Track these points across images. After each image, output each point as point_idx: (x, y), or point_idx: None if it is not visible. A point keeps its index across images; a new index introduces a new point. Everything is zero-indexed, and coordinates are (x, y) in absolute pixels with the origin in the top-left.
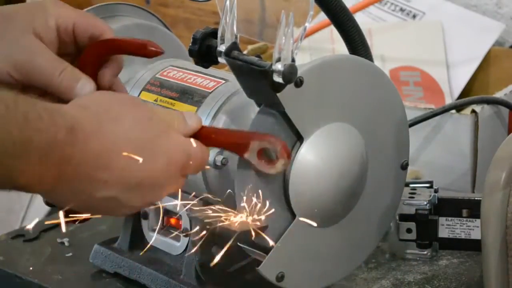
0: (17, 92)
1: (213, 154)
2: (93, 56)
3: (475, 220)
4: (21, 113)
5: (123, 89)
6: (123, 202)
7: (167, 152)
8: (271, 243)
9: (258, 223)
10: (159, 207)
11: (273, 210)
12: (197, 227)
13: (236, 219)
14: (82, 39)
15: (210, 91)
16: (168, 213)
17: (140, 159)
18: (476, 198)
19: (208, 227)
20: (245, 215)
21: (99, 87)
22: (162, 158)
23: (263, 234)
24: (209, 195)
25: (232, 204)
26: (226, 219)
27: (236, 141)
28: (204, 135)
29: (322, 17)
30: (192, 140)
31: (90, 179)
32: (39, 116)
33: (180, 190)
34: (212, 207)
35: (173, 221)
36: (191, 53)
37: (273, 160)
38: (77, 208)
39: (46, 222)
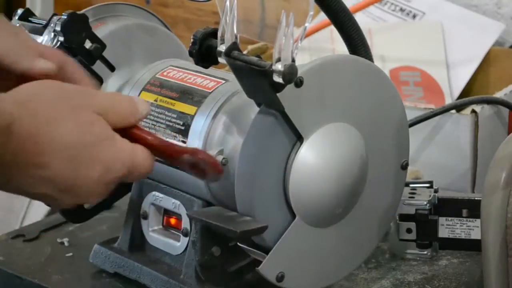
0: None
1: (213, 154)
2: None
3: (475, 220)
4: None
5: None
6: (57, 200)
7: (105, 161)
8: (271, 243)
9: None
10: (159, 207)
11: (273, 210)
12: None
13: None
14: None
15: (210, 91)
16: (168, 213)
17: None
18: (476, 198)
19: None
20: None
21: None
22: (99, 167)
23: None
24: (209, 195)
25: (232, 204)
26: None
27: (170, 153)
28: (140, 138)
29: (322, 17)
30: (140, 147)
31: (24, 175)
32: None
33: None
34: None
35: (173, 221)
36: (191, 53)
37: (205, 172)
38: (21, 195)
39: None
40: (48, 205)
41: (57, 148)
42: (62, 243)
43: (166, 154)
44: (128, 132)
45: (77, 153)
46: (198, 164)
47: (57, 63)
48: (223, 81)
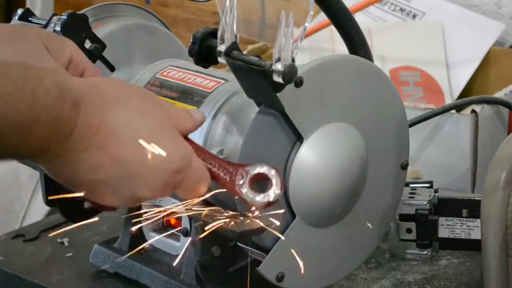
0: (25, 67)
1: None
2: None
3: (475, 220)
4: (29, 91)
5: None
6: (113, 188)
7: (165, 149)
8: (271, 243)
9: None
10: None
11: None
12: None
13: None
14: None
15: (210, 91)
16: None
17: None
18: (476, 198)
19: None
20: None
21: None
22: (160, 154)
23: (268, 229)
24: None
25: (232, 204)
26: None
27: (229, 169)
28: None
29: (322, 17)
30: (196, 156)
31: (83, 158)
32: (46, 91)
33: None
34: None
35: (173, 221)
36: (191, 53)
37: (265, 189)
38: (71, 186)
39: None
40: (102, 201)
41: (121, 129)
42: (62, 243)
43: (224, 172)
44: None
45: (140, 136)
46: (260, 180)
47: None
48: (223, 81)
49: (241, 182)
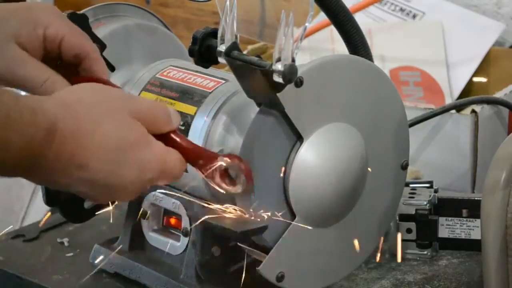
0: (1, 88)
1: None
2: None
3: (475, 220)
4: (3, 112)
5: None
6: (92, 197)
7: (140, 164)
8: (271, 243)
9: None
10: (159, 207)
11: (273, 210)
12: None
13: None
14: (67, 54)
15: (210, 91)
16: (168, 213)
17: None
18: (476, 198)
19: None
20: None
21: None
22: (134, 169)
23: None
24: (209, 195)
25: (232, 204)
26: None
27: (201, 157)
28: (175, 142)
29: (322, 17)
30: (173, 151)
31: (63, 174)
32: (20, 115)
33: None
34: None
35: (173, 221)
36: (191, 53)
37: (234, 181)
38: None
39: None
40: (83, 197)
41: (97, 149)
42: (62, 243)
43: (200, 158)
44: (163, 135)
45: (115, 155)
46: (230, 172)
47: (75, 53)
48: (223, 81)
49: (214, 172)
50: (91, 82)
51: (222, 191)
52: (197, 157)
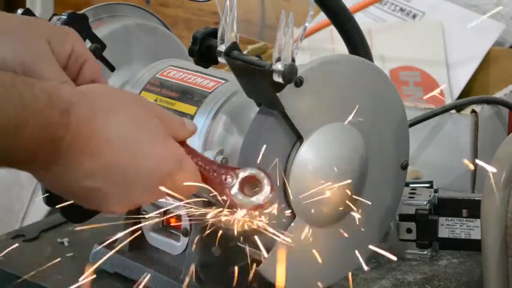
0: (14, 75)
1: (213, 154)
2: None
3: (475, 220)
4: (18, 95)
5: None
6: (107, 195)
7: (157, 157)
8: (271, 243)
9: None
10: (159, 207)
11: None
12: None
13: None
14: (84, 78)
15: (210, 91)
16: (168, 213)
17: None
18: (476, 198)
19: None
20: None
21: None
22: (151, 161)
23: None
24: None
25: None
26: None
27: (218, 172)
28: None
29: (322, 17)
30: (189, 157)
31: (77, 165)
32: (36, 98)
33: None
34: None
35: (173, 221)
36: (191, 53)
37: (255, 191)
38: (66, 196)
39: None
40: (93, 208)
41: (112, 136)
42: (62, 243)
43: (216, 175)
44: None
45: (131, 145)
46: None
47: (93, 79)
48: (223, 81)
49: (231, 184)
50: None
51: (243, 205)
52: (211, 173)
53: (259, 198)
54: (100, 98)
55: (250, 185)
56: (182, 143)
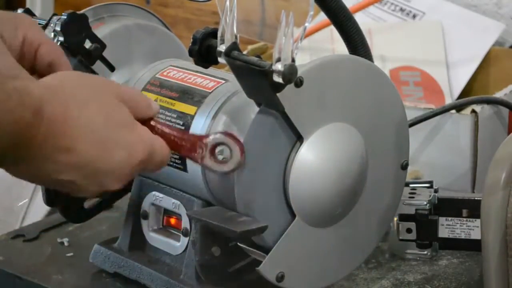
0: None
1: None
2: None
3: (475, 220)
4: None
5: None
6: (81, 186)
7: (128, 145)
8: (271, 243)
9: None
10: (159, 207)
11: (273, 210)
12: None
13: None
14: (42, 62)
15: (210, 91)
16: (168, 213)
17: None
18: (476, 198)
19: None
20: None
21: None
22: (122, 150)
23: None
24: (209, 195)
25: (232, 204)
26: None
27: (187, 138)
28: (156, 128)
29: (322, 17)
30: (157, 136)
31: (50, 160)
32: (9, 96)
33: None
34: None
35: (173, 221)
36: (191, 53)
37: (225, 160)
38: (39, 184)
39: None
40: (71, 193)
41: (84, 131)
42: (62, 243)
43: (185, 142)
44: (146, 123)
45: (102, 137)
46: (217, 151)
47: (50, 60)
48: (223, 81)
49: (202, 153)
50: (72, 71)
51: (215, 171)
52: (181, 141)
53: (229, 166)
54: (71, 92)
55: (221, 149)
56: (151, 120)
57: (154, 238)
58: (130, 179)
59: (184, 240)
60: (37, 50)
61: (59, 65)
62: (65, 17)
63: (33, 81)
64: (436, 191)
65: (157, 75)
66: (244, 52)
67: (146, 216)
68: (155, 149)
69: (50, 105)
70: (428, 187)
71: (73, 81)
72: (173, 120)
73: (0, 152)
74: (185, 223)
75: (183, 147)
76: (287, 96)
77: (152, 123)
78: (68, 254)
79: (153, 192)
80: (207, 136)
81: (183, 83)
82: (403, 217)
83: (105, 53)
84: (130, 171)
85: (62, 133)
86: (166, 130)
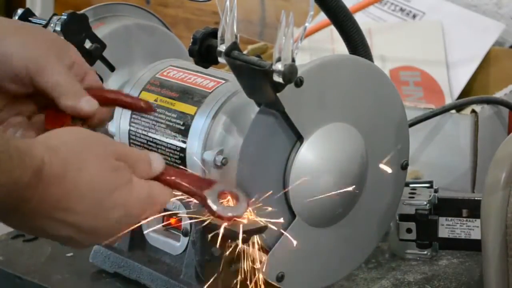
0: None
1: (213, 154)
2: None
3: (475, 220)
4: None
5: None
6: (79, 241)
7: (125, 205)
8: (271, 243)
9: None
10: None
11: (273, 210)
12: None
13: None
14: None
15: (210, 91)
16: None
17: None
18: (476, 198)
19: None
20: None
21: None
22: (119, 211)
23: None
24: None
25: None
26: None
27: (194, 190)
28: (165, 179)
29: (322, 17)
30: (155, 185)
31: (47, 218)
32: (10, 157)
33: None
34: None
35: (173, 221)
36: (191, 53)
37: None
38: (40, 237)
39: None
40: (69, 246)
41: (82, 193)
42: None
43: (193, 192)
44: (155, 179)
45: (100, 198)
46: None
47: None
48: (223, 81)
49: (210, 197)
50: (76, 127)
51: (221, 217)
52: (193, 195)
53: (237, 211)
54: (71, 154)
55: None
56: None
57: (154, 238)
58: (129, 230)
59: (184, 240)
60: (83, 79)
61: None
62: (65, 17)
63: (35, 141)
64: (436, 191)
65: (157, 75)
66: (244, 52)
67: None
68: (154, 201)
69: (50, 167)
70: (428, 187)
71: (73, 141)
72: (173, 120)
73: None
74: (185, 223)
75: (192, 193)
76: (287, 96)
77: (162, 177)
78: (68, 254)
79: None
80: (215, 182)
81: (183, 83)
82: (403, 217)
83: (105, 53)
84: (127, 225)
85: (60, 193)
86: (177, 178)
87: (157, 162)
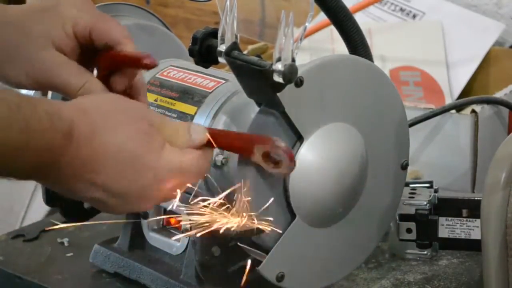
0: (20, 94)
1: (213, 154)
2: (101, 68)
3: (475, 220)
4: (22, 117)
5: (141, 91)
6: (110, 205)
7: (154, 169)
8: (271, 243)
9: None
10: (159, 207)
11: (273, 210)
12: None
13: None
14: (99, 44)
15: (210, 91)
16: (168, 213)
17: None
18: (476, 198)
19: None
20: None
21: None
22: (148, 175)
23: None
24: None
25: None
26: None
27: (241, 145)
28: (210, 138)
29: (322, 17)
30: (192, 155)
31: (77, 179)
32: (39, 120)
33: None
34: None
35: (173, 221)
36: (191, 53)
37: (278, 162)
38: (75, 199)
39: (46, 228)
40: (104, 211)
41: (111, 155)
42: (62, 243)
43: (241, 147)
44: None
45: (129, 160)
46: (272, 155)
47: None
48: (223, 81)
49: (256, 153)
50: (113, 94)
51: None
52: (235, 147)
53: (281, 170)
54: (101, 116)
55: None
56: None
57: (154, 238)
58: (166, 200)
59: (184, 240)
60: (90, 36)
61: (116, 43)
62: None
63: (65, 103)
64: (436, 191)
65: (157, 75)
66: (244, 52)
67: (146, 216)
68: (185, 171)
69: (79, 127)
70: (428, 187)
71: (107, 104)
72: (173, 120)
73: (30, 171)
74: (185, 223)
75: (244, 150)
76: (287, 96)
77: (210, 134)
78: (68, 254)
79: None
80: (263, 139)
81: (183, 83)
82: (403, 217)
83: None
84: (159, 193)
85: (88, 154)
86: (226, 134)
87: (197, 132)
